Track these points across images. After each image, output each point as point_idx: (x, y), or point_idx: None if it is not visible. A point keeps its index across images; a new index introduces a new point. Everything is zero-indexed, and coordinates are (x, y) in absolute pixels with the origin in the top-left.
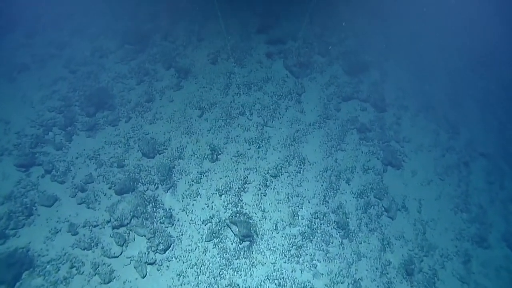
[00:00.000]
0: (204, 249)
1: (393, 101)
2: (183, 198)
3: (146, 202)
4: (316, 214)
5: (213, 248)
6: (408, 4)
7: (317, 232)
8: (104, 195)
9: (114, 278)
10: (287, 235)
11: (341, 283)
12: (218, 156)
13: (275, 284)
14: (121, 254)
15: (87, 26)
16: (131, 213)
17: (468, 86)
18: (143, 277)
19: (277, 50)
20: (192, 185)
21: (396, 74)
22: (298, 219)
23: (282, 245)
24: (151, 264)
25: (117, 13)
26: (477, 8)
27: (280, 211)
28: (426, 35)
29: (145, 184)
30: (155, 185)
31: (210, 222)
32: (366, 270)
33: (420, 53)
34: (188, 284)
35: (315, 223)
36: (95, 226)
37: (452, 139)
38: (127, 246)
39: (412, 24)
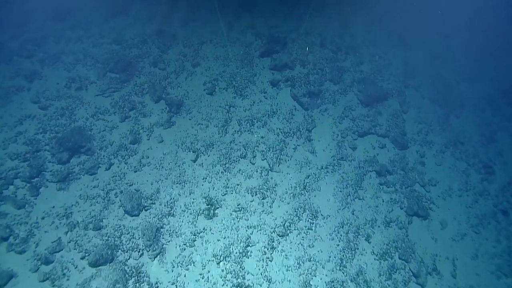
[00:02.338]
0: None
1: (416, 135)
2: (173, 267)
3: (127, 276)
4: (333, 284)
5: None
6: (429, 22)
7: None
8: (75, 268)
9: None
10: None
11: None
12: (216, 211)
13: None
14: None
15: (62, 51)
16: None
17: (502, 118)
18: None
19: (283, 77)
20: (185, 249)
21: (418, 104)
22: None
23: None
24: None
25: (99, 36)
26: None
27: (290, 280)
28: (451, 58)
29: (126, 252)
30: (139, 251)
31: None
32: None
33: (444, 79)
34: None
35: None
36: None
37: (486, 181)
38: None
39: (434, 46)
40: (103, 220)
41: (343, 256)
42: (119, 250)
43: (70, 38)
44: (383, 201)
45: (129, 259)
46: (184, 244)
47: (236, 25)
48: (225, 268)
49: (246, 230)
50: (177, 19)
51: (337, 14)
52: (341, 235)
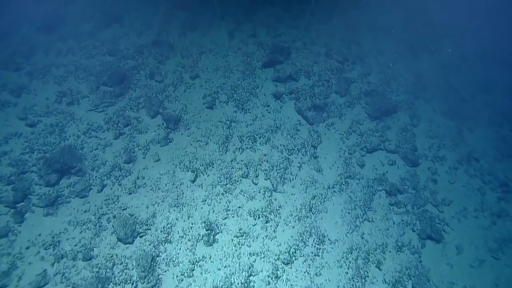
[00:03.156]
0: None
1: (427, 151)
2: None
3: None
4: None
5: None
6: (439, 30)
7: None
8: None
9: None
10: None
11: None
12: (216, 237)
13: None
14: None
15: (52, 64)
16: None
17: None
18: None
19: (287, 89)
20: (182, 280)
21: (429, 117)
22: None
23: None
24: None
25: (92, 47)
26: None
27: None
28: (464, 68)
29: (119, 284)
30: (132, 284)
31: None
32: None
33: (456, 90)
34: None
35: None
36: None
37: (503, 200)
38: None
39: (445, 55)
40: (94, 249)
41: (352, 285)
42: (111, 283)
43: (61, 50)
44: (394, 223)
45: None
46: (182, 275)
47: (237, 34)
48: None
49: (249, 258)
50: (174, 28)
51: (343, 23)
52: (350, 262)
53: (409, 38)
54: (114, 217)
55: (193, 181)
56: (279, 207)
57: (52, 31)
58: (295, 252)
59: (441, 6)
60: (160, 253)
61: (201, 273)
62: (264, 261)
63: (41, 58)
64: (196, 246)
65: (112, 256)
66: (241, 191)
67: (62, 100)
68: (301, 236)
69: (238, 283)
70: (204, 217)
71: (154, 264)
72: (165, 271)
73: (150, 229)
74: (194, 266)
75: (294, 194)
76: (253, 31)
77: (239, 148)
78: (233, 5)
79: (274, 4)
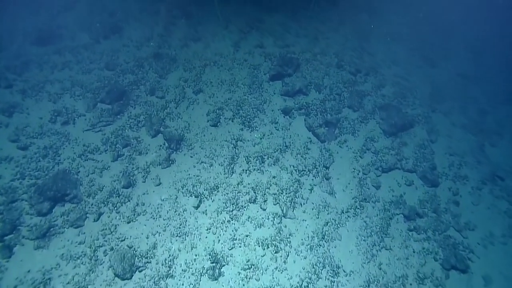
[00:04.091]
0: None
1: (447, 169)
2: None
3: None
4: None
5: None
6: (455, 37)
7: None
8: None
9: None
10: None
11: None
12: (222, 270)
13: None
14: None
15: (46, 80)
16: None
17: None
18: None
19: (297, 104)
20: None
21: (448, 132)
22: None
23: None
24: None
25: (89, 61)
26: None
27: None
28: (483, 78)
29: None
30: None
31: None
32: None
33: (477, 102)
34: None
35: None
36: None
37: None
38: None
39: (463, 64)
40: (89, 286)
41: None
42: None
43: (56, 64)
44: (414, 252)
45: None
46: None
47: (243, 44)
48: None
49: None
50: (176, 39)
51: (355, 30)
52: None
53: (423, 46)
54: (111, 249)
55: (196, 207)
56: (289, 235)
57: (47, 43)
58: (307, 286)
59: (457, 12)
60: None
61: None
62: None
63: (35, 73)
64: (200, 280)
65: None
66: (248, 218)
67: (56, 119)
68: (313, 267)
69: None
70: (208, 247)
71: None
72: None
73: (150, 262)
74: None
75: (305, 220)
76: (259, 41)
77: (246, 170)
78: (238, 13)
79: (281, 12)
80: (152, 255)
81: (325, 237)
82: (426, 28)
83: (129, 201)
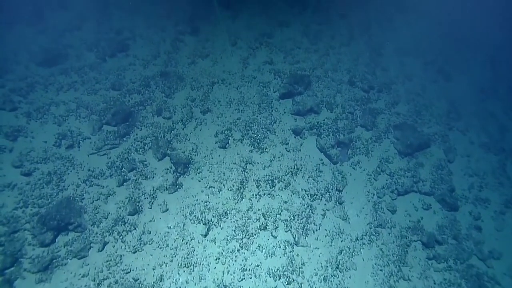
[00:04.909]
0: None
1: (467, 192)
2: None
3: None
4: None
5: None
6: (471, 48)
7: None
8: None
9: None
10: None
11: None
12: None
13: None
14: None
15: (51, 102)
16: None
17: None
18: None
19: (308, 123)
20: None
21: (466, 151)
22: None
23: None
24: None
25: (95, 81)
26: None
27: None
28: (502, 92)
29: None
30: None
31: None
32: None
33: (496, 118)
34: None
35: None
36: None
37: None
38: None
39: (480, 77)
40: None
41: None
42: None
43: (62, 85)
44: (434, 283)
45: None
46: None
47: (252, 60)
48: None
49: None
50: (183, 56)
51: (367, 45)
52: None
53: (438, 59)
54: (116, 282)
55: (205, 236)
56: (301, 264)
57: (54, 64)
58: None
59: (471, 22)
60: None
61: None
62: None
63: (40, 95)
64: None
65: None
66: (259, 246)
67: (61, 143)
68: None
69: None
70: (217, 279)
71: None
72: None
73: None
74: None
75: (318, 248)
76: (268, 57)
77: (256, 195)
78: (246, 28)
79: (290, 27)
80: (158, 287)
81: (339, 266)
82: (440, 39)
83: (135, 229)
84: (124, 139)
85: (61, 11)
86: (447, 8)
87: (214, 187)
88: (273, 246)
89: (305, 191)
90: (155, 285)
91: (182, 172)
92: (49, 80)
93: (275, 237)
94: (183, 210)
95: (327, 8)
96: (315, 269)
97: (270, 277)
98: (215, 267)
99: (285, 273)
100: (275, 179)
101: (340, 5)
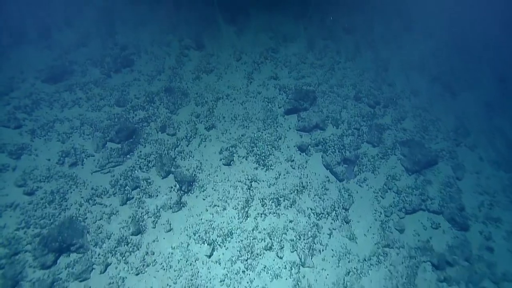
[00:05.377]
0: None
1: (477, 210)
2: None
3: None
4: None
5: None
6: (479, 61)
7: None
8: None
9: None
10: None
11: None
12: None
13: None
14: None
15: (56, 118)
16: None
17: None
18: None
19: (313, 140)
20: None
21: (475, 167)
22: None
23: None
24: None
25: (99, 97)
26: None
27: None
28: (510, 105)
29: None
30: None
31: None
32: None
33: (504, 133)
34: None
35: None
36: None
37: None
38: None
39: (488, 92)
40: None
41: None
42: None
43: (66, 102)
44: None
45: None
46: None
47: (257, 75)
48: None
49: None
50: (188, 72)
51: (372, 59)
52: None
53: (444, 73)
54: None
55: (209, 256)
56: (308, 286)
57: (59, 80)
58: None
59: (477, 35)
60: None
61: None
62: None
63: (45, 112)
64: None
65: None
66: (264, 268)
67: (65, 161)
68: None
69: None
70: None
71: None
72: None
73: None
74: None
75: (325, 269)
76: (273, 72)
77: (261, 214)
78: (251, 43)
79: (296, 41)
80: None
81: None
82: (446, 54)
83: (138, 249)
84: (128, 156)
85: (68, 29)
86: (453, 22)
87: (218, 206)
88: (279, 268)
89: (311, 209)
90: None
91: (186, 190)
92: (54, 96)
93: (281, 258)
94: (187, 229)
95: (332, 23)
96: None
97: None
98: None
99: None
100: (281, 197)
101: (346, 21)
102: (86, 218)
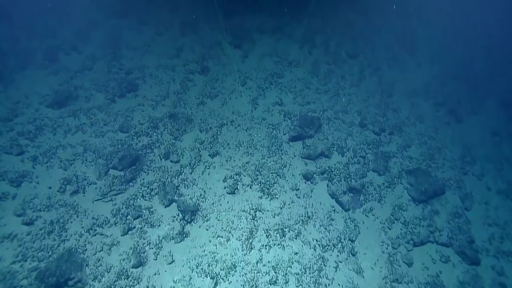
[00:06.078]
0: None
1: (487, 243)
2: None
3: None
4: None
5: None
6: (484, 87)
7: None
8: None
9: None
10: None
11: None
12: None
13: None
14: None
15: (59, 144)
16: None
17: None
18: None
19: (319, 168)
20: None
21: (484, 197)
22: None
23: None
24: None
25: (103, 123)
26: None
27: None
28: None
29: None
30: None
31: None
32: None
33: None
34: None
35: None
36: None
37: None
38: None
39: (493, 118)
40: None
41: None
42: None
43: (70, 128)
44: None
45: None
46: None
47: (261, 101)
48: None
49: None
50: (192, 97)
51: (377, 85)
52: None
53: (449, 99)
54: None
55: None
56: None
57: (63, 105)
58: None
59: (482, 61)
60: None
61: None
62: None
63: (48, 138)
64: None
65: None
66: None
67: (66, 188)
68: None
69: None
70: None
71: None
72: None
73: None
74: None
75: None
76: (278, 97)
77: (266, 246)
78: (256, 68)
79: (300, 66)
80: None
81: None
82: (450, 80)
83: (138, 283)
84: (131, 184)
85: (74, 53)
86: (456, 48)
87: (222, 237)
88: None
89: (317, 241)
90: None
91: (189, 220)
92: (58, 122)
93: None
94: (189, 261)
95: (336, 48)
96: None
97: None
98: None
99: None
100: (286, 228)
101: (349, 45)
102: (86, 249)
